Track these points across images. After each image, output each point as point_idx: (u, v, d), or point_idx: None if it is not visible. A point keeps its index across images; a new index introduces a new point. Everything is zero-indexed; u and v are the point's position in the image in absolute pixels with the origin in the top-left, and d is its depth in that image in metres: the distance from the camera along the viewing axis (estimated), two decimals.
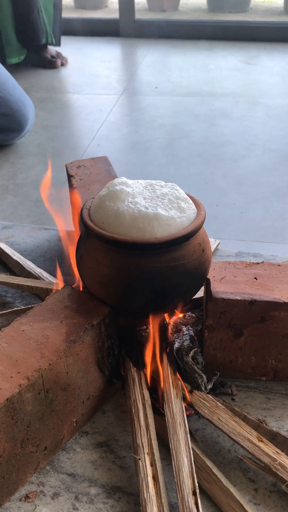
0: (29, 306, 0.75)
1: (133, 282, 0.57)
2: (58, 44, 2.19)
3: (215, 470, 0.53)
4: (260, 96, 1.83)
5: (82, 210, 0.61)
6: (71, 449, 0.58)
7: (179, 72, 2.15)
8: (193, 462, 0.52)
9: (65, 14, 2.31)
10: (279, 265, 0.67)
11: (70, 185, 0.89)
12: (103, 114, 1.70)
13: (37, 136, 1.55)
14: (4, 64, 1.95)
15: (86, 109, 1.77)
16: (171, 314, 0.69)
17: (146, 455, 0.53)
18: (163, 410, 0.57)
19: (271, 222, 1.09)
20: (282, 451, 0.54)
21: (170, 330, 0.67)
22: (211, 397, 0.59)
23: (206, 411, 0.58)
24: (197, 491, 0.49)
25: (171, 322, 0.69)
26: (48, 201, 0.77)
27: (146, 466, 0.52)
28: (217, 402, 0.59)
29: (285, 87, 1.93)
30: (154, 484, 0.51)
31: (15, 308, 0.74)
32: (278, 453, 0.53)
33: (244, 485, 0.54)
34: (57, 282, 0.77)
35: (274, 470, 0.52)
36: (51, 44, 2.13)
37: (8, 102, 1.37)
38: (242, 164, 1.35)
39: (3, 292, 0.83)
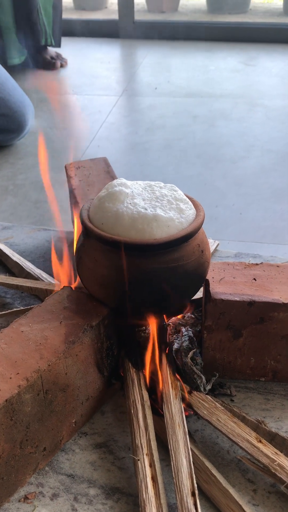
0: (28, 307, 0.75)
1: (132, 283, 0.57)
2: (58, 45, 2.19)
3: (214, 471, 0.53)
4: (260, 97, 1.83)
5: (81, 211, 0.61)
6: (70, 450, 0.58)
7: (178, 73, 2.15)
8: (192, 463, 0.52)
9: (65, 15, 2.31)
10: (278, 266, 0.67)
11: (70, 186, 0.89)
12: (102, 115, 1.70)
13: (37, 137, 1.54)
14: (5, 65, 1.95)
15: (86, 110, 1.77)
16: (170, 315, 0.69)
17: (145, 456, 0.53)
18: (162, 411, 0.57)
19: (270, 223, 1.09)
20: (281, 452, 0.54)
21: (169, 331, 0.67)
22: (210, 398, 0.59)
23: (205, 412, 0.58)
24: (196, 492, 0.49)
25: (170, 323, 0.69)
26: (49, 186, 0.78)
27: (145, 467, 0.52)
28: (216, 403, 0.59)
29: (284, 88, 1.94)
30: (153, 485, 0.51)
31: (14, 309, 0.74)
32: (277, 454, 0.53)
33: (243, 485, 0.54)
34: (57, 282, 0.77)
35: (273, 471, 0.52)
36: (51, 45, 2.13)
37: (8, 102, 1.37)
38: (242, 165, 1.35)
39: (2, 293, 0.83)
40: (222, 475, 0.54)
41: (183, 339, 0.66)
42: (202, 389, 0.61)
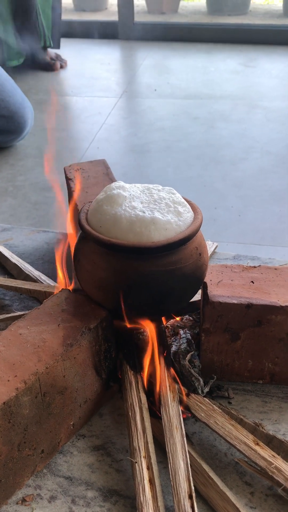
0: (27, 312, 0.75)
1: (130, 286, 0.57)
2: (57, 46, 2.19)
3: (211, 473, 0.54)
4: (259, 99, 1.83)
5: (79, 214, 0.61)
6: (68, 452, 0.58)
7: (178, 74, 2.15)
8: (189, 465, 0.52)
9: (65, 17, 2.31)
10: (275, 269, 0.67)
11: (69, 188, 0.89)
12: (102, 117, 1.71)
13: (36, 138, 1.55)
14: (4, 66, 1.95)
15: (85, 112, 1.77)
16: (168, 318, 0.69)
17: (142, 459, 0.53)
18: (160, 414, 0.58)
19: (269, 225, 1.09)
20: (278, 455, 0.54)
21: (167, 334, 0.68)
22: (207, 400, 0.59)
23: (202, 415, 0.58)
24: (193, 494, 0.50)
25: (168, 326, 0.69)
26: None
27: (142, 469, 0.53)
28: (214, 406, 0.59)
29: (284, 89, 1.94)
30: (150, 488, 0.51)
31: (12, 314, 0.74)
32: (274, 456, 0.53)
33: (240, 488, 0.54)
34: (56, 285, 0.78)
35: (270, 473, 0.52)
36: (49, 46, 2.13)
37: (8, 104, 1.37)
38: (241, 167, 1.36)
39: (1, 295, 0.83)
40: (219, 477, 0.54)
41: (181, 342, 0.66)
42: (200, 391, 0.61)
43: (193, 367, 0.63)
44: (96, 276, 0.59)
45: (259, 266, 0.67)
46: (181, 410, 0.58)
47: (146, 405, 0.58)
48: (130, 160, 1.43)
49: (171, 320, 0.70)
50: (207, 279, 0.64)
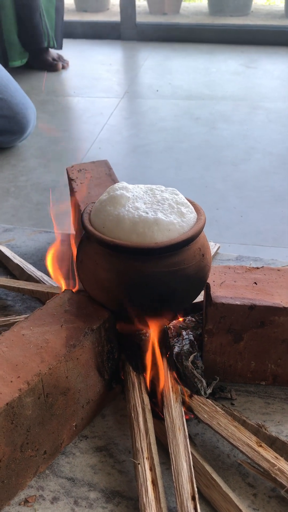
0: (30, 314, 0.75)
1: (133, 286, 0.57)
2: (60, 47, 2.20)
3: (214, 475, 0.53)
4: (261, 100, 1.83)
5: (82, 214, 0.61)
6: (70, 453, 0.58)
7: (180, 75, 2.15)
8: (192, 466, 0.52)
9: (67, 17, 2.31)
10: (278, 270, 0.67)
11: (71, 189, 0.89)
12: (104, 117, 1.71)
13: (38, 138, 1.55)
14: (6, 67, 1.96)
15: (87, 112, 1.77)
16: (171, 319, 0.69)
17: (145, 460, 0.53)
18: (163, 415, 0.57)
19: (271, 226, 1.09)
20: (281, 456, 0.54)
21: (170, 335, 0.67)
22: (210, 401, 0.59)
23: (205, 416, 0.58)
24: (196, 496, 0.49)
25: (171, 327, 0.69)
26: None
27: (145, 470, 0.52)
28: (217, 407, 0.59)
29: (285, 90, 1.94)
30: (153, 489, 0.51)
31: (15, 317, 0.74)
32: (277, 458, 0.53)
33: (243, 490, 0.54)
34: (58, 285, 0.78)
35: (273, 475, 0.52)
36: (53, 47, 2.13)
37: (10, 104, 1.37)
38: (242, 168, 1.36)
39: (3, 296, 0.83)
40: (222, 479, 0.54)
41: (184, 343, 0.66)
42: (202, 392, 0.61)
43: (196, 368, 0.63)
44: (98, 277, 0.59)
45: (262, 267, 0.67)
46: (184, 411, 0.57)
47: (149, 406, 0.58)
48: (132, 161, 1.43)
49: (174, 321, 0.70)
50: (210, 280, 0.64)
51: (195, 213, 0.61)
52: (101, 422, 0.62)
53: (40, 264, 0.90)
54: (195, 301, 0.65)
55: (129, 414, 0.58)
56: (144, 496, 0.50)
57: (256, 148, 1.46)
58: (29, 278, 0.83)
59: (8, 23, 1.94)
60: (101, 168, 0.92)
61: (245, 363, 0.64)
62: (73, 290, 0.64)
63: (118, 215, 0.57)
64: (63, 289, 0.67)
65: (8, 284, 0.78)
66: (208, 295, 0.62)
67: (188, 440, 0.54)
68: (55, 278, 0.75)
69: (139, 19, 2.67)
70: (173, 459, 0.52)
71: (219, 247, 0.93)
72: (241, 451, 0.54)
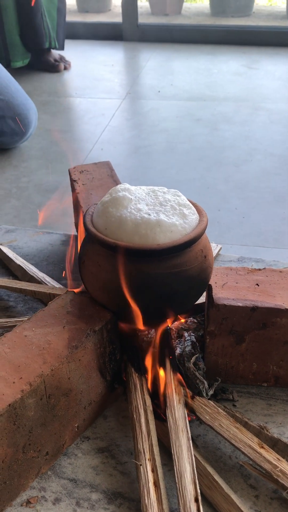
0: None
1: (135, 288, 0.57)
2: (61, 48, 2.20)
3: (216, 476, 0.53)
4: (262, 101, 1.83)
5: (85, 216, 0.61)
6: (72, 454, 0.58)
7: (181, 76, 2.15)
8: (195, 468, 0.52)
9: (68, 18, 2.31)
10: (281, 272, 0.67)
11: (73, 190, 0.89)
12: (105, 118, 1.71)
13: (40, 139, 1.55)
14: (8, 67, 1.96)
15: (89, 113, 1.78)
16: (173, 320, 0.69)
17: (147, 461, 0.53)
18: (165, 416, 0.58)
19: (273, 227, 1.09)
20: (283, 458, 0.54)
21: (172, 336, 0.67)
22: (212, 403, 0.59)
23: (207, 417, 0.58)
24: (199, 497, 0.49)
25: (173, 328, 0.69)
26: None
27: (147, 472, 0.53)
28: (219, 408, 0.59)
29: (287, 91, 1.94)
30: (155, 490, 0.51)
31: (16, 320, 0.73)
32: (279, 459, 0.53)
33: (245, 491, 0.54)
34: (60, 287, 0.78)
35: (275, 477, 0.52)
36: (54, 48, 2.13)
37: (11, 105, 1.37)
38: (244, 169, 1.36)
39: (5, 297, 0.83)
40: (224, 480, 0.54)
41: (186, 344, 0.66)
42: (204, 394, 0.61)
43: (198, 369, 0.63)
44: (101, 278, 0.59)
45: (264, 268, 0.67)
46: (186, 413, 0.57)
47: (151, 408, 0.58)
48: (134, 162, 1.43)
49: (176, 323, 0.70)
50: (212, 282, 0.64)
51: (197, 214, 0.61)
52: (103, 423, 0.62)
53: (42, 265, 0.90)
54: (197, 302, 0.65)
55: (131, 416, 0.58)
56: (146, 498, 0.50)
57: (257, 149, 1.46)
58: (31, 279, 0.83)
59: (10, 23, 1.95)
60: (103, 169, 0.92)
61: (247, 365, 0.64)
62: (75, 291, 0.64)
63: (120, 216, 0.58)
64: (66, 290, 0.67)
65: (10, 285, 0.79)
66: (210, 296, 0.62)
67: (191, 441, 0.54)
68: None
69: (141, 20, 2.67)
70: (176, 460, 0.53)
71: (220, 248, 0.93)
72: (243, 453, 0.54)
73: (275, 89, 1.96)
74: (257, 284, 0.64)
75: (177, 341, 0.67)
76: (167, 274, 0.56)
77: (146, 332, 0.66)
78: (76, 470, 0.57)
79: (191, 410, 0.59)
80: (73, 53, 2.37)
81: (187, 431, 0.55)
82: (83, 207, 0.81)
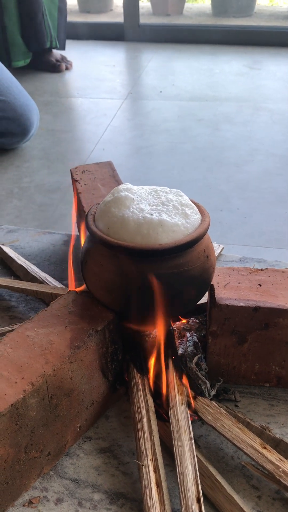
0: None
1: (138, 288, 0.57)
2: (62, 48, 2.20)
3: (218, 477, 0.53)
4: (264, 101, 1.83)
5: (87, 216, 0.61)
6: (74, 455, 0.58)
7: (183, 76, 2.15)
8: (197, 468, 0.52)
9: (70, 18, 2.31)
10: (283, 272, 0.67)
11: (75, 190, 0.89)
12: (107, 118, 1.71)
13: (42, 140, 1.55)
14: (10, 67, 1.96)
15: (91, 113, 1.78)
16: (175, 320, 0.69)
17: (149, 461, 0.53)
18: (167, 416, 0.57)
19: (275, 227, 1.09)
20: (286, 458, 0.54)
21: (175, 336, 0.67)
22: (214, 403, 0.59)
23: (209, 418, 0.58)
24: (201, 498, 0.49)
25: (175, 328, 0.69)
26: None
27: (149, 472, 0.52)
28: (221, 409, 0.59)
29: None
30: (157, 491, 0.51)
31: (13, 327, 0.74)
32: (281, 460, 0.53)
33: (247, 492, 0.54)
34: (62, 286, 0.78)
35: (278, 477, 0.52)
36: (55, 48, 2.14)
37: (13, 106, 1.37)
38: (246, 169, 1.36)
39: (7, 297, 0.83)
40: (226, 481, 0.54)
41: (188, 344, 0.66)
42: (206, 394, 0.61)
43: (200, 370, 0.63)
44: (103, 278, 0.59)
45: (266, 269, 0.67)
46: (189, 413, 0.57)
47: (153, 408, 0.58)
48: (135, 162, 1.43)
49: (178, 323, 0.70)
50: (214, 282, 0.64)
51: (200, 214, 0.61)
52: (105, 424, 0.62)
53: (44, 265, 0.90)
54: (199, 302, 0.65)
55: (133, 416, 0.58)
56: (148, 498, 0.50)
57: (259, 149, 1.46)
58: (33, 279, 0.83)
59: (11, 23, 1.95)
60: (105, 169, 0.92)
61: (249, 365, 0.64)
62: (77, 291, 0.64)
63: (122, 216, 0.57)
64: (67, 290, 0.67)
65: (12, 285, 0.79)
66: (212, 296, 0.62)
67: (193, 442, 0.54)
68: None
69: (143, 20, 2.67)
70: (178, 461, 0.52)
71: (222, 249, 0.93)
72: (245, 453, 0.54)
73: (277, 90, 1.96)
74: (259, 284, 0.64)
75: (179, 341, 0.67)
76: (170, 274, 0.56)
77: (148, 332, 0.66)
78: (78, 470, 0.57)
79: (193, 411, 0.59)
80: (75, 53, 2.37)
81: (190, 432, 0.55)
82: (85, 207, 0.80)
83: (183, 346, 0.66)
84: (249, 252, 0.97)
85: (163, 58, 2.42)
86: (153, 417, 0.57)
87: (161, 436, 0.57)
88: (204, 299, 0.67)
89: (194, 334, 0.68)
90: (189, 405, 0.59)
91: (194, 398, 0.60)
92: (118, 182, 0.88)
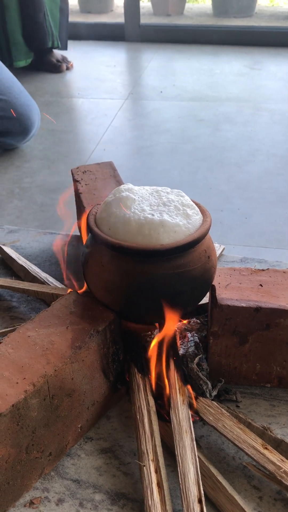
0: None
1: (139, 288, 0.57)
2: (64, 47, 2.20)
3: (219, 477, 0.53)
4: (264, 101, 1.83)
5: (88, 216, 0.61)
6: (75, 455, 0.58)
7: (184, 76, 2.15)
8: (198, 469, 0.52)
9: (71, 18, 2.31)
10: (284, 272, 0.67)
11: (76, 190, 0.89)
12: (108, 119, 1.71)
13: (43, 140, 1.55)
14: (11, 67, 1.96)
15: (91, 114, 1.78)
16: (176, 320, 0.69)
17: (150, 462, 0.53)
18: (168, 417, 0.57)
19: (275, 227, 1.09)
20: (287, 459, 0.54)
21: (177, 337, 0.67)
22: (216, 404, 0.59)
23: (211, 418, 0.58)
24: (203, 498, 0.49)
25: (176, 329, 0.69)
26: None
27: (150, 472, 0.52)
28: (222, 409, 0.59)
29: None
30: (158, 491, 0.51)
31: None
32: (283, 460, 0.53)
33: (248, 492, 0.54)
34: (63, 287, 0.78)
35: (279, 478, 0.52)
36: (57, 47, 2.14)
37: (14, 106, 1.37)
38: (246, 169, 1.36)
39: (8, 297, 0.83)
40: (227, 481, 0.54)
41: (189, 345, 0.66)
42: (208, 395, 0.61)
43: (201, 370, 0.63)
44: (104, 279, 0.59)
45: (268, 269, 0.67)
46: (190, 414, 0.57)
47: (154, 408, 0.58)
48: (136, 162, 1.43)
49: (179, 323, 0.70)
50: (215, 282, 0.63)
51: (201, 215, 0.61)
52: (106, 424, 0.62)
53: (45, 266, 0.90)
54: (200, 303, 0.65)
55: (134, 416, 0.58)
56: (149, 498, 0.50)
57: (260, 150, 1.46)
58: (34, 279, 0.83)
59: (13, 23, 1.95)
60: (106, 169, 0.92)
61: (250, 365, 0.64)
62: (79, 292, 0.64)
63: (124, 216, 0.57)
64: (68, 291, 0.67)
65: (13, 285, 0.79)
66: (213, 297, 0.62)
67: (194, 442, 0.54)
68: None
69: (143, 20, 2.67)
70: (180, 461, 0.52)
71: (223, 249, 0.93)
72: (247, 454, 0.54)
73: (278, 90, 1.96)
74: (260, 285, 0.64)
75: (180, 341, 0.67)
76: (171, 274, 0.56)
77: (150, 332, 0.66)
78: (79, 471, 0.57)
79: (194, 411, 0.59)
80: (75, 53, 2.37)
81: (191, 432, 0.55)
82: (86, 207, 0.80)
83: (185, 346, 0.66)
84: (250, 253, 0.97)
85: (163, 58, 2.42)
86: (154, 418, 0.57)
87: (162, 436, 0.57)
88: (205, 299, 0.67)
89: (195, 334, 0.68)
90: (190, 405, 0.59)
91: (196, 398, 0.60)
92: (119, 182, 0.88)
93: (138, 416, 0.57)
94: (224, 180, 1.30)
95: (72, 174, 0.92)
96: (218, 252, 0.90)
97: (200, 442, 0.59)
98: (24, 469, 0.53)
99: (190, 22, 3.09)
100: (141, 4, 2.71)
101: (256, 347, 0.63)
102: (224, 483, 0.53)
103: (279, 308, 0.60)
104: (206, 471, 0.54)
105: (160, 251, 0.55)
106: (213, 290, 0.63)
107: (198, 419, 0.60)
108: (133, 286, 0.57)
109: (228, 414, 0.58)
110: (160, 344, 0.62)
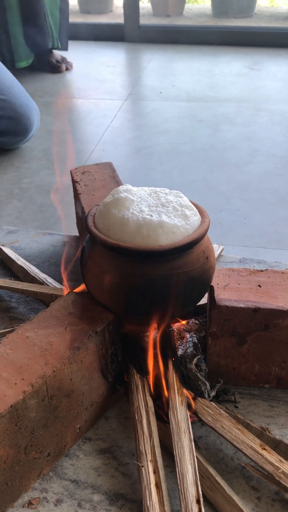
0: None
1: (137, 289, 0.57)
2: (65, 48, 2.20)
3: (218, 478, 0.53)
4: (264, 102, 1.83)
5: (87, 217, 0.61)
6: (74, 456, 0.58)
7: (183, 77, 2.15)
8: (197, 469, 0.52)
9: (70, 19, 2.31)
10: (283, 273, 0.67)
11: (75, 191, 0.89)
12: (107, 119, 1.71)
13: (42, 140, 1.55)
14: (13, 67, 1.96)
15: (91, 114, 1.78)
16: (174, 321, 0.69)
17: (149, 462, 0.53)
18: (166, 417, 0.57)
19: (275, 228, 1.09)
20: (285, 459, 0.54)
21: (175, 337, 0.67)
22: (214, 404, 0.59)
23: (209, 419, 0.58)
24: (201, 499, 0.49)
25: (175, 329, 0.69)
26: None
27: (149, 473, 0.52)
28: (220, 410, 0.59)
29: None
30: (157, 492, 0.51)
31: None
32: (281, 461, 0.53)
33: (247, 493, 0.54)
34: (62, 287, 0.78)
35: (277, 478, 0.52)
36: (57, 48, 2.14)
37: (14, 106, 1.38)
38: (246, 170, 1.36)
39: (7, 297, 0.83)
40: (226, 482, 0.54)
41: (188, 345, 0.66)
42: (206, 395, 0.61)
43: (200, 371, 0.63)
44: (103, 279, 0.59)
45: (266, 270, 0.67)
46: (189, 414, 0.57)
47: (153, 409, 0.58)
48: (135, 163, 1.43)
49: (177, 324, 0.70)
50: (214, 283, 0.64)
51: (199, 215, 0.61)
52: (105, 425, 0.62)
53: (44, 266, 0.90)
54: (199, 303, 0.65)
55: (133, 417, 0.58)
56: (147, 499, 0.50)
57: (259, 150, 1.46)
58: (33, 280, 0.83)
59: (14, 24, 1.95)
60: (105, 170, 0.92)
61: (249, 366, 0.64)
62: (75, 290, 0.64)
63: (122, 217, 0.58)
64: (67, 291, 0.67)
65: (12, 286, 0.79)
66: (212, 297, 0.62)
67: (193, 443, 0.54)
68: None
69: (143, 21, 2.67)
70: (178, 462, 0.52)
71: (222, 249, 0.93)
72: (245, 454, 0.54)
73: (277, 90, 1.96)
74: (259, 286, 0.64)
75: (178, 342, 0.67)
76: (169, 275, 0.56)
77: (148, 333, 0.66)
78: (78, 471, 0.57)
79: (193, 412, 0.59)
80: (75, 54, 2.37)
81: (190, 433, 0.55)
82: (85, 208, 0.81)
83: (183, 347, 0.66)
84: (249, 253, 0.97)
85: (163, 59, 2.42)
86: (152, 418, 0.57)
87: (160, 437, 0.57)
88: (204, 300, 0.67)
89: (193, 335, 0.68)
90: (189, 406, 0.59)
91: (194, 399, 0.60)
92: (118, 183, 0.88)
93: (136, 417, 0.57)
94: (224, 181, 1.30)
95: (71, 174, 0.92)
96: (216, 253, 0.90)
97: (198, 443, 0.59)
98: (23, 470, 0.53)
99: (190, 22, 3.10)
100: (141, 4, 2.71)
101: (255, 348, 0.63)
102: (223, 483, 0.53)
103: (278, 308, 0.60)
104: (205, 471, 0.54)
105: (159, 252, 0.55)
106: (211, 290, 0.63)
107: (197, 420, 0.60)
108: (131, 287, 0.57)
109: (227, 414, 0.58)
110: (159, 344, 0.62)
